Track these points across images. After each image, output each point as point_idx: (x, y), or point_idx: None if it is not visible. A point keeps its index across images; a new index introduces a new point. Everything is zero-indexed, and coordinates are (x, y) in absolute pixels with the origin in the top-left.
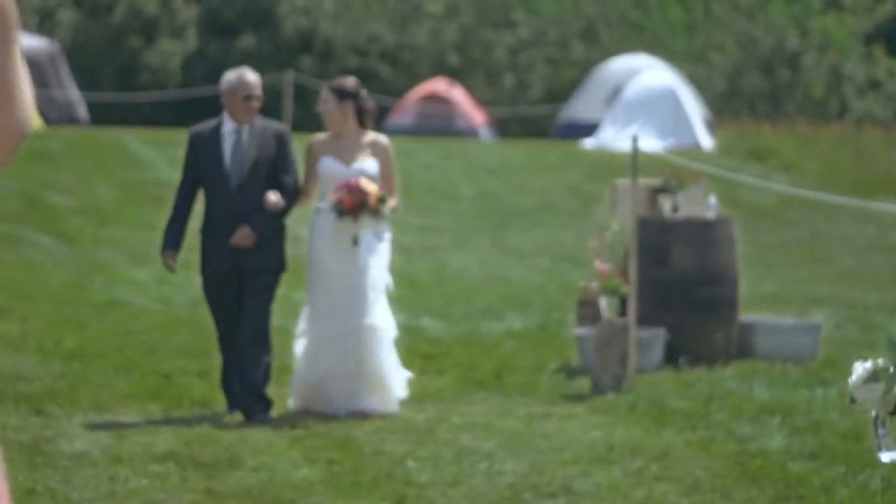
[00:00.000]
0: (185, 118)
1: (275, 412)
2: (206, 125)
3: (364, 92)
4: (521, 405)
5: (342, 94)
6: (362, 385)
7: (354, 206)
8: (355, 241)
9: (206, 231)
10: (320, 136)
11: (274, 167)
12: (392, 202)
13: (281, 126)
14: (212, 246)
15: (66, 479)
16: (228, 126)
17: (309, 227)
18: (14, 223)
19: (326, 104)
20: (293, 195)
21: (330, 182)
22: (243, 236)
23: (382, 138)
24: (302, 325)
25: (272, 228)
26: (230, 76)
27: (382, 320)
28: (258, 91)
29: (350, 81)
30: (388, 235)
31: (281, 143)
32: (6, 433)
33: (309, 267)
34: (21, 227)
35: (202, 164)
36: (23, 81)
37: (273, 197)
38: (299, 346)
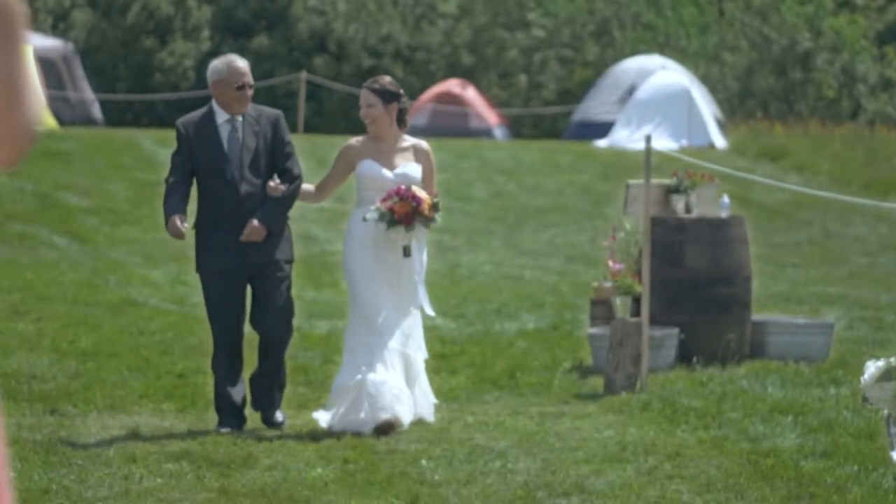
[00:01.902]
0: None
1: (285, 410)
2: (194, 115)
3: (402, 91)
4: (535, 404)
5: (388, 97)
6: (384, 405)
7: (408, 214)
8: (407, 252)
9: (206, 227)
10: (357, 139)
11: (273, 155)
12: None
13: (275, 112)
14: (213, 242)
15: (80, 478)
16: (221, 117)
17: (346, 233)
18: (29, 223)
19: (373, 109)
20: (296, 181)
21: (371, 186)
22: (253, 231)
23: (424, 144)
24: (349, 341)
25: (280, 221)
26: (218, 65)
27: (417, 347)
28: (250, 79)
29: (391, 82)
30: (425, 248)
31: (277, 130)
32: (21, 432)
33: (348, 274)
34: (36, 227)
35: (198, 158)
36: (31, 82)
37: (272, 183)
38: (346, 361)
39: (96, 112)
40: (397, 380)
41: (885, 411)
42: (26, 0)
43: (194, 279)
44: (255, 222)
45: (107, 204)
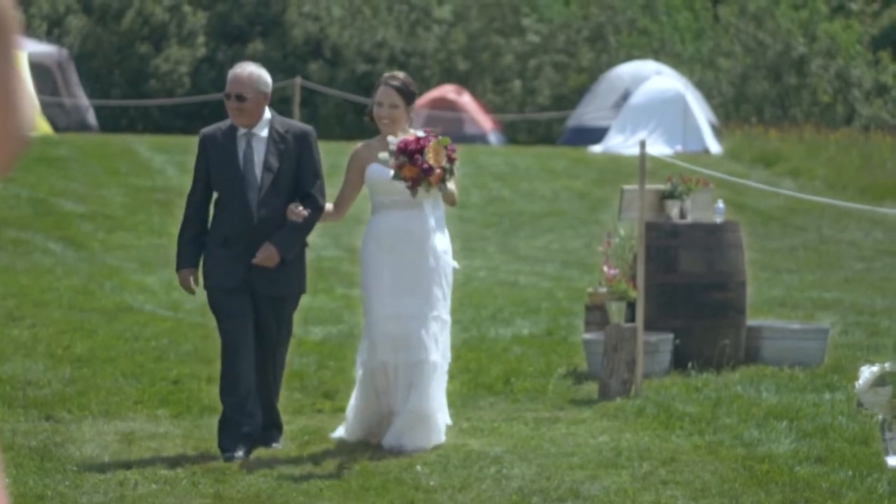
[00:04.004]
0: (194, 124)
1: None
2: (217, 126)
3: None
4: (530, 410)
5: (410, 98)
6: (408, 424)
7: (414, 179)
8: (396, 175)
9: (216, 244)
10: (364, 143)
11: (297, 175)
12: (451, 185)
13: (304, 127)
14: (220, 261)
15: (75, 484)
16: (241, 130)
17: (363, 241)
18: (24, 229)
19: (396, 110)
20: (319, 207)
21: (381, 191)
22: (268, 256)
23: None
24: (361, 354)
25: (296, 249)
26: None
27: (440, 354)
28: (239, 89)
29: (408, 79)
30: (448, 246)
31: (304, 147)
32: (16, 438)
33: (364, 285)
34: (31, 233)
35: (215, 171)
36: (23, 88)
37: (296, 208)
38: (358, 373)
39: (91, 118)
40: (412, 402)
41: (880, 416)
42: (20, 6)
43: None
44: (272, 247)
45: (102, 210)
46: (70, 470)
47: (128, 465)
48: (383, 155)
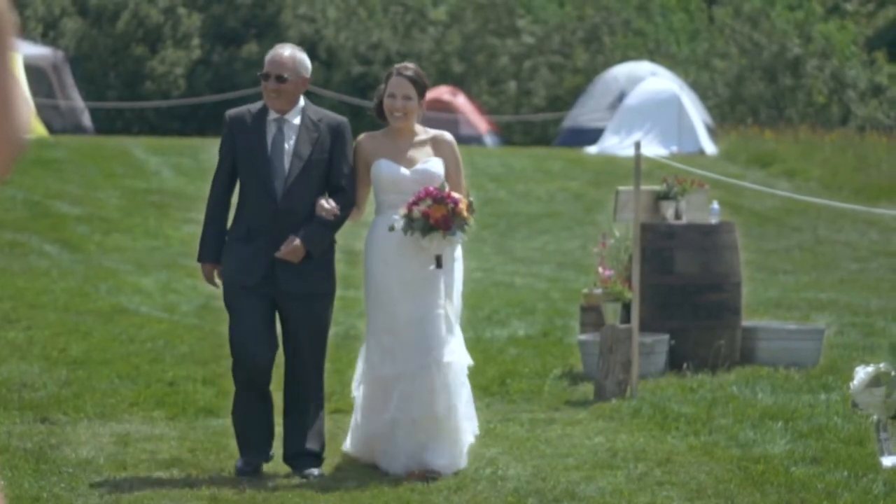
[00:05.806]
0: (190, 126)
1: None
2: (246, 108)
3: None
4: (525, 411)
5: (423, 90)
6: (429, 436)
7: (445, 218)
8: (439, 263)
9: (236, 236)
10: (368, 135)
11: (328, 169)
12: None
13: (339, 118)
14: (242, 256)
15: (71, 486)
16: (272, 115)
17: (365, 244)
18: (20, 231)
19: (410, 102)
20: (350, 203)
21: (390, 189)
22: (292, 250)
23: (447, 135)
24: (360, 365)
25: (324, 245)
26: None
27: (457, 355)
28: (279, 69)
29: (419, 70)
30: (459, 254)
31: (338, 139)
32: (12, 440)
33: (368, 293)
34: (27, 235)
35: (241, 155)
36: (18, 90)
37: (326, 204)
38: (357, 390)
39: (86, 120)
40: (428, 413)
41: (875, 417)
42: (16, 8)
43: (185, 287)
44: (297, 241)
45: (98, 212)
46: (65, 472)
47: (123, 467)
48: (396, 223)
